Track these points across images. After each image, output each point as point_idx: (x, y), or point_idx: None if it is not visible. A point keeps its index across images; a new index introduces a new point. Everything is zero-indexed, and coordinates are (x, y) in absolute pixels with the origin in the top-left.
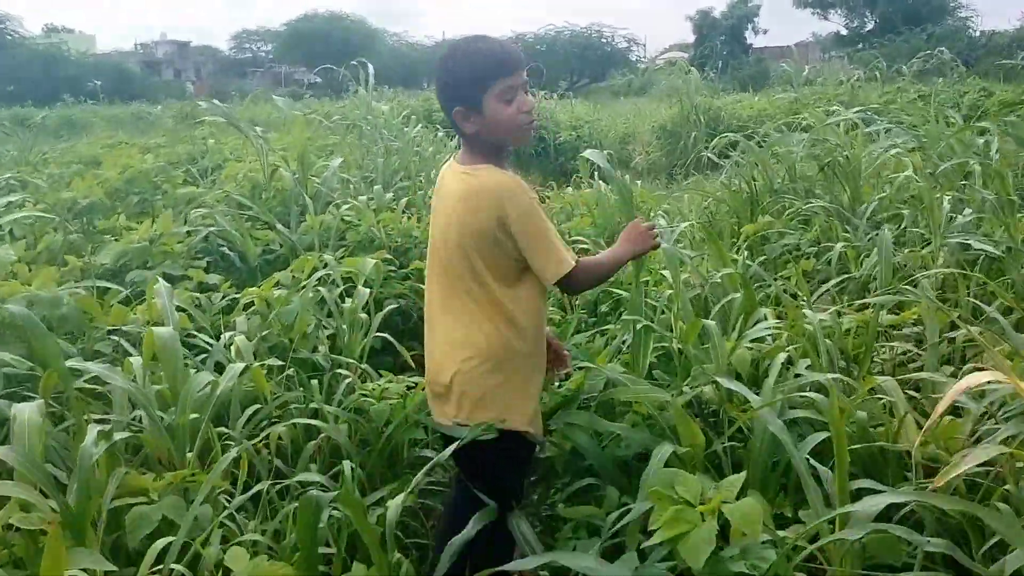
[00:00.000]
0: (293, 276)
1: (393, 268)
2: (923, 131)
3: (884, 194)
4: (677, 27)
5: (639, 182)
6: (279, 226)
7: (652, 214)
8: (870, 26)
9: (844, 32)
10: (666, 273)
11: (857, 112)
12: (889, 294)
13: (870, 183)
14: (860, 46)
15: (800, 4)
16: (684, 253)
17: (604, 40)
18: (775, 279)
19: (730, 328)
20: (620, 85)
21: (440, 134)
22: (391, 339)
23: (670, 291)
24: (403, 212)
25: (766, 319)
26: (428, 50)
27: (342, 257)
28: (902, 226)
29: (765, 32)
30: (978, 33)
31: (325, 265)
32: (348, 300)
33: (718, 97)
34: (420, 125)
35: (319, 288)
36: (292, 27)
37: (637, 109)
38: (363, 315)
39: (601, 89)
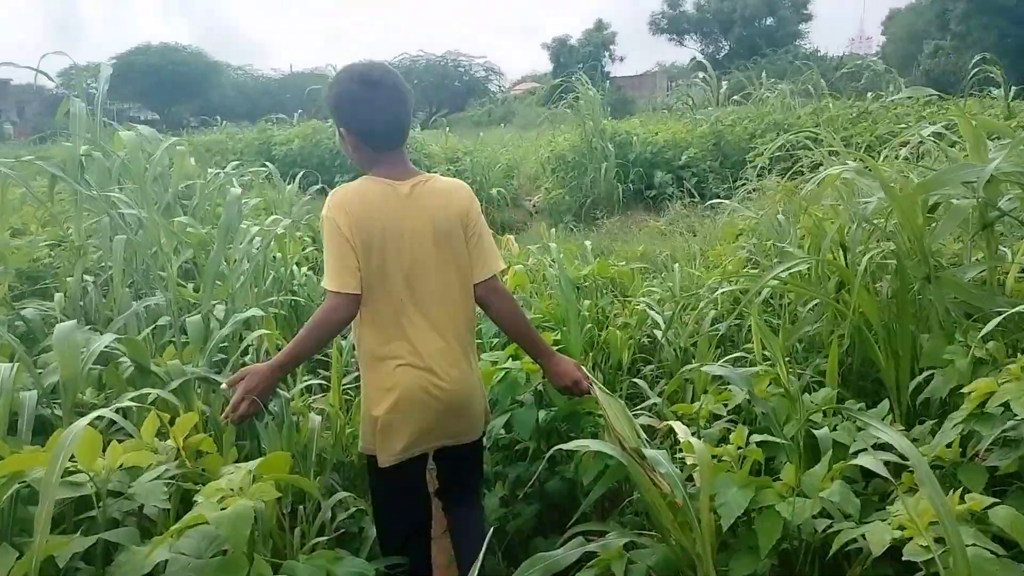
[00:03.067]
0: None
1: None
2: None
3: None
4: (527, 57)
5: (552, 229)
6: None
7: (628, 302)
8: (725, 51)
9: (700, 58)
10: None
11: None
12: None
13: None
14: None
15: (656, 30)
16: None
17: (461, 69)
18: None
19: None
20: (480, 115)
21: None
22: None
23: None
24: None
25: None
26: (274, 82)
27: None
28: None
29: (622, 60)
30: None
31: None
32: None
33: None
34: (236, 164)
35: None
36: (123, 61)
37: (516, 138)
38: None
39: (461, 119)
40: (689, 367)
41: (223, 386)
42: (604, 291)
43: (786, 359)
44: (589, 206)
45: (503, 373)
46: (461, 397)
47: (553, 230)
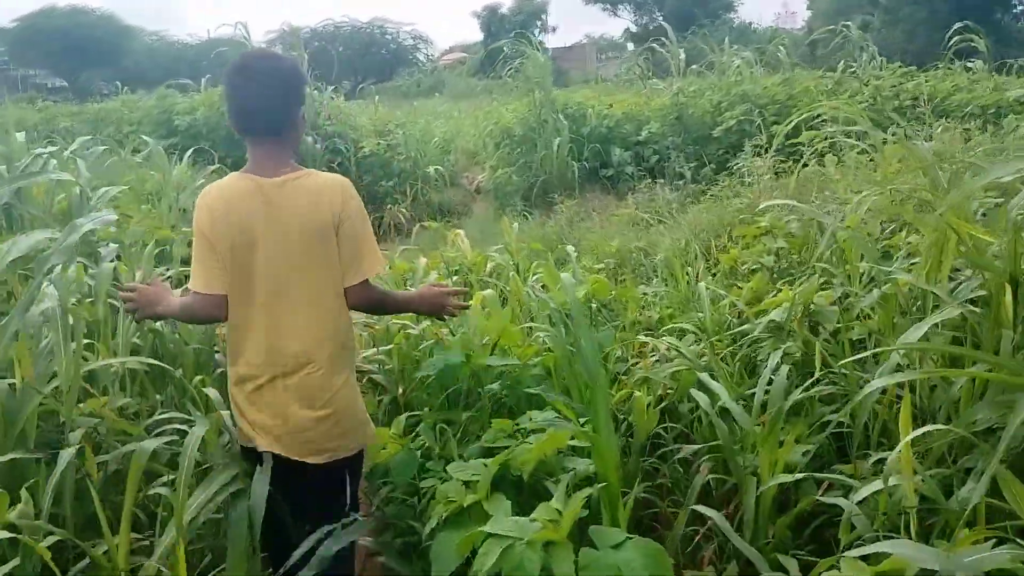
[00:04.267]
0: None
1: None
2: None
3: None
4: (455, 27)
5: (515, 222)
6: None
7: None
8: (658, 22)
9: (634, 29)
10: None
11: None
12: None
13: None
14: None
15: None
16: None
17: (388, 37)
18: None
19: None
20: (409, 85)
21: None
22: None
23: None
24: None
25: None
26: (191, 48)
27: None
28: None
29: (554, 30)
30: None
31: None
32: None
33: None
34: (87, 139)
35: None
36: (27, 23)
37: (453, 109)
38: None
39: (388, 89)
40: (778, 483)
41: (120, 292)
42: (599, 318)
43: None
44: (540, 187)
45: (504, 547)
46: (312, 404)
47: (516, 225)
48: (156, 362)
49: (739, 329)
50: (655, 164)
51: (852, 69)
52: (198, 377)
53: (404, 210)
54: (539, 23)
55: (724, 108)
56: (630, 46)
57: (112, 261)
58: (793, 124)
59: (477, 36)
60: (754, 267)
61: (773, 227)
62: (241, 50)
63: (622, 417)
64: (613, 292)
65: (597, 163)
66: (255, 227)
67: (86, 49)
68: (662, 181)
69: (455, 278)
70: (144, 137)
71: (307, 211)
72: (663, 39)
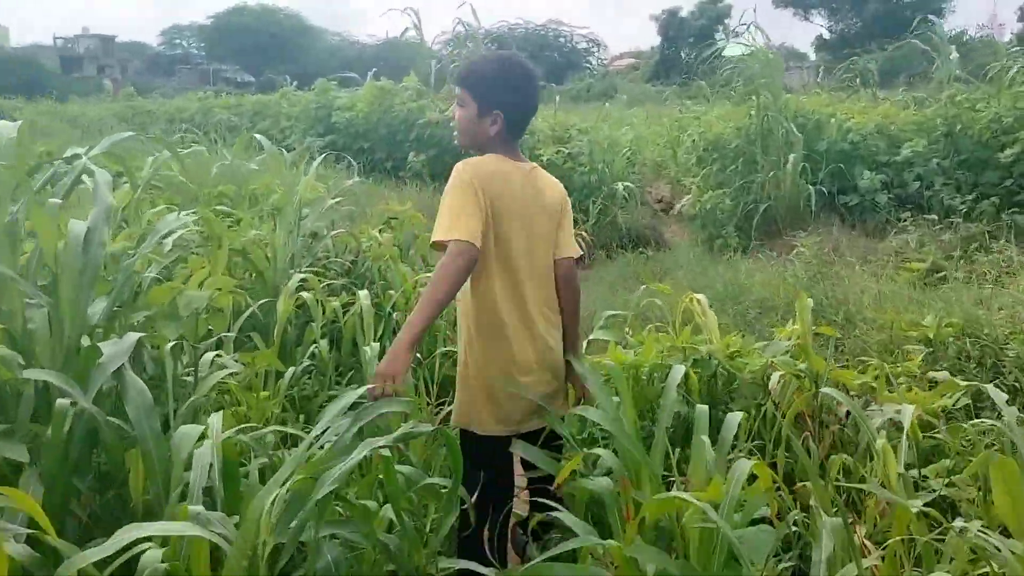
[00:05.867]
0: None
1: None
2: None
3: None
4: (621, 33)
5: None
6: None
7: None
8: (856, 29)
9: (827, 35)
10: None
11: None
12: None
13: None
14: (843, 51)
15: (781, 3)
16: None
17: (562, 40)
18: None
19: None
20: (580, 89)
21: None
22: None
23: None
24: None
25: None
26: (370, 48)
27: None
28: None
29: (738, 35)
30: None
31: None
32: None
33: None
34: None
35: None
36: (220, 20)
37: (640, 115)
38: None
39: (560, 93)
40: None
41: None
42: None
43: None
44: (762, 215)
45: None
46: (554, 372)
47: (808, 302)
48: None
49: None
50: (913, 192)
51: None
52: None
53: (586, 234)
54: (721, 27)
55: (1013, 126)
56: (812, 56)
57: None
58: None
59: (648, 42)
60: None
61: None
62: (416, 50)
63: None
64: None
65: (834, 187)
66: (519, 202)
67: (272, 47)
68: (934, 217)
69: (732, 406)
70: (257, 136)
71: (548, 195)
72: (935, 34)
